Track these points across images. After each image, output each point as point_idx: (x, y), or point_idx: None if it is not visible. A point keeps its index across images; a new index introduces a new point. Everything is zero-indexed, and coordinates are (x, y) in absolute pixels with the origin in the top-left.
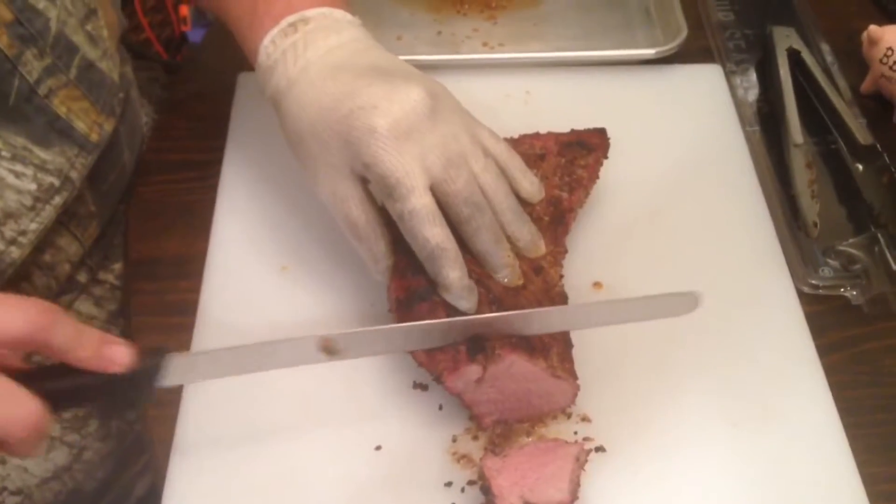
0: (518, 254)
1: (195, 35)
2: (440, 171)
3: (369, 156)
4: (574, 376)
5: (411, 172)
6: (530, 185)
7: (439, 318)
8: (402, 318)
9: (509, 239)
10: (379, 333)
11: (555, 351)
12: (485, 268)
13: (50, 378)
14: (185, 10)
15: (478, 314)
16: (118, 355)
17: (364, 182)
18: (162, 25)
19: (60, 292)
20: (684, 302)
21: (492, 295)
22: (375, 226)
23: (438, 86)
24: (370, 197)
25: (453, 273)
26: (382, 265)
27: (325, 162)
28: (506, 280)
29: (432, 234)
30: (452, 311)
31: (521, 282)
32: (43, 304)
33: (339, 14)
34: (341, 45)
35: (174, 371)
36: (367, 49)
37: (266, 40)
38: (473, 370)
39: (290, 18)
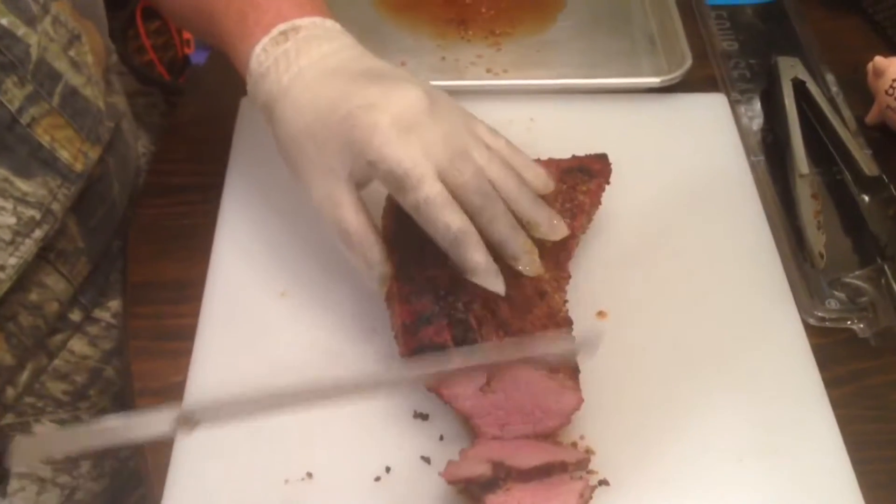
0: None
1: (198, 57)
2: (447, 164)
3: (374, 152)
4: (579, 388)
5: (419, 162)
6: (536, 178)
7: (444, 339)
8: (407, 342)
9: (528, 227)
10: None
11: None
12: (504, 258)
13: None
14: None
15: (484, 339)
16: None
17: (359, 188)
18: (165, 48)
19: (50, 332)
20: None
21: (498, 319)
22: (369, 232)
23: (433, 88)
24: (364, 204)
25: (478, 255)
26: (377, 271)
27: (320, 165)
28: (527, 269)
29: (452, 219)
30: (457, 332)
31: (542, 271)
32: None
33: (330, 23)
34: (333, 52)
35: (20, 454)
36: (359, 55)
37: (258, 48)
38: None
39: (282, 27)
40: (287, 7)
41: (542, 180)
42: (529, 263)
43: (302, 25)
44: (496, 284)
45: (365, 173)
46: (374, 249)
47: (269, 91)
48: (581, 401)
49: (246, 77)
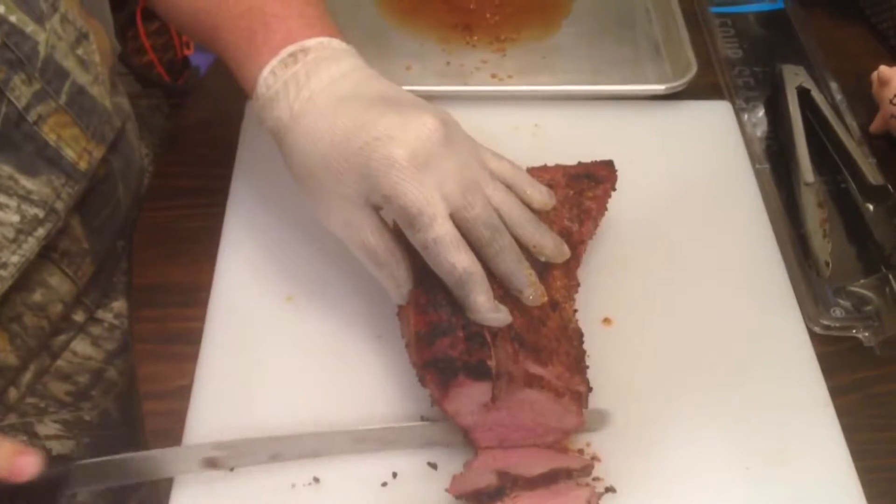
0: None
1: (198, 59)
2: (459, 198)
3: (389, 187)
4: (581, 412)
5: (432, 201)
6: (540, 195)
7: (458, 351)
8: (420, 352)
9: (534, 250)
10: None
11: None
12: (509, 289)
13: None
14: None
15: (500, 351)
16: (27, 465)
17: (377, 209)
18: (165, 48)
19: (54, 333)
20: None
21: (513, 332)
22: (395, 250)
23: (445, 113)
24: (385, 223)
25: (481, 297)
26: (405, 289)
27: (337, 194)
28: (531, 298)
29: (458, 259)
30: (472, 346)
31: (545, 298)
32: None
33: (337, 43)
34: (344, 76)
35: (81, 478)
36: (370, 79)
37: (265, 71)
38: (479, 390)
39: (290, 49)
40: (297, 27)
41: (546, 197)
42: (533, 295)
43: (310, 47)
44: (497, 320)
45: (380, 203)
46: (400, 267)
47: (280, 117)
48: (582, 423)
49: (252, 96)
